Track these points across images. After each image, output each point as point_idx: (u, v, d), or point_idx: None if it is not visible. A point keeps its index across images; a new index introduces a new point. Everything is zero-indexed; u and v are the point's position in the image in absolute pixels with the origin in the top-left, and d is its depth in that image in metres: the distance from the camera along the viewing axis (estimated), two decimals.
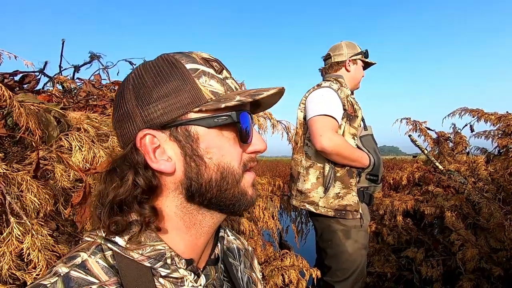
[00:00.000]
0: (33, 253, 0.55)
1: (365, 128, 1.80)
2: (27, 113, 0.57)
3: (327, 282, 1.67)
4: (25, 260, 0.57)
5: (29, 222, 0.56)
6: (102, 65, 1.42)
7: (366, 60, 1.85)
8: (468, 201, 2.17)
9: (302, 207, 1.73)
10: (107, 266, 0.39)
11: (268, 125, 1.56)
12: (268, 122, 1.56)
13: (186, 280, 0.43)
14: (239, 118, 0.42)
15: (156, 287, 0.41)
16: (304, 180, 1.72)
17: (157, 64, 0.43)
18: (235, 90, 0.46)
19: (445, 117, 2.67)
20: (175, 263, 0.42)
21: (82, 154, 0.63)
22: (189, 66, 0.42)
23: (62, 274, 0.37)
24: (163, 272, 0.41)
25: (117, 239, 0.40)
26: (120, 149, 0.46)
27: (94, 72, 1.42)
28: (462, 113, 2.59)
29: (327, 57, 1.89)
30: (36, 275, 0.58)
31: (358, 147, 1.71)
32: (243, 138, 0.44)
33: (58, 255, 0.62)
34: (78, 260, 0.38)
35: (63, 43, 1.33)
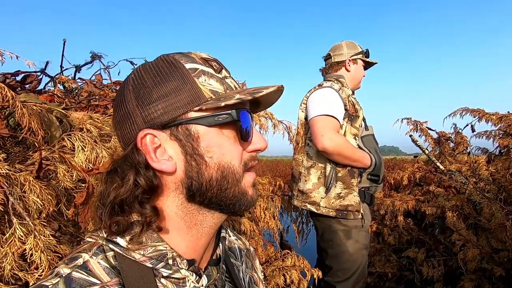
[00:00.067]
0: (36, 253, 0.55)
1: (366, 128, 1.80)
2: (30, 114, 0.57)
3: (328, 282, 1.67)
4: (28, 260, 0.57)
5: (31, 223, 0.56)
6: (104, 65, 1.42)
7: (367, 59, 1.84)
8: (469, 201, 2.17)
9: (304, 207, 1.73)
10: (108, 267, 0.39)
11: (270, 125, 1.56)
12: (270, 122, 1.56)
13: (188, 280, 0.43)
14: (239, 116, 0.43)
15: (158, 287, 0.41)
16: (306, 180, 1.71)
17: (156, 64, 0.43)
18: (234, 89, 0.46)
19: (446, 117, 2.67)
20: (177, 263, 0.42)
21: (85, 154, 0.63)
22: (188, 66, 0.43)
23: (64, 275, 0.37)
24: (165, 272, 0.41)
25: (119, 240, 0.40)
26: (121, 149, 0.46)
27: (95, 72, 1.43)
28: (463, 113, 2.59)
29: (327, 57, 1.89)
30: (39, 275, 0.58)
31: (359, 147, 1.71)
32: (244, 136, 0.44)
33: (60, 255, 0.62)
34: (79, 261, 0.38)
35: (64, 43, 1.33)
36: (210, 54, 0.47)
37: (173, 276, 0.42)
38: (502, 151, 2.43)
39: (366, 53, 1.84)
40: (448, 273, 2.21)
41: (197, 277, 0.44)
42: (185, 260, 0.43)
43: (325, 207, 1.64)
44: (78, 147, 0.63)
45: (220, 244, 0.54)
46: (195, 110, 0.41)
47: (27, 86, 0.87)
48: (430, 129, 2.82)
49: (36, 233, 0.55)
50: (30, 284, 0.59)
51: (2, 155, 0.58)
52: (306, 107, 1.75)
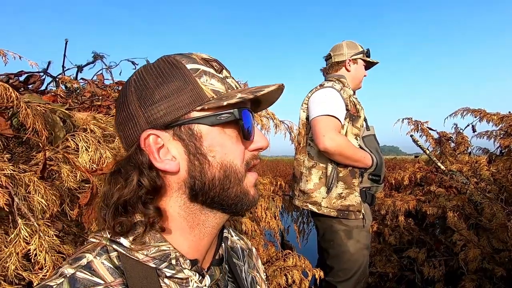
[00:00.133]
0: (41, 254, 0.55)
1: (368, 128, 1.80)
2: (34, 114, 0.57)
3: (329, 282, 1.67)
4: (32, 260, 0.57)
5: (36, 223, 0.56)
6: (106, 65, 1.42)
7: (368, 59, 1.84)
8: (470, 201, 2.17)
9: (305, 207, 1.73)
10: (112, 267, 0.39)
11: (271, 125, 1.56)
12: (271, 122, 1.56)
13: (191, 280, 0.43)
14: (241, 115, 0.43)
15: (162, 287, 0.41)
16: (307, 180, 1.72)
17: (158, 65, 0.43)
18: (235, 88, 0.46)
19: (447, 117, 2.66)
20: (180, 263, 0.43)
21: (89, 155, 0.63)
22: (190, 66, 0.43)
23: (68, 275, 0.37)
24: (168, 272, 0.41)
25: (122, 240, 0.40)
26: (124, 150, 0.46)
27: (97, 72, 1.43)
28: (464, 113, 2.59)
29: (328, 57, 1.89)
30: (43, 275, 0.58)
31: (361, 147, 1.71)
32: (246, 135, 0.45)
33: (63, 255, 0.62)
34: (83, 261, 0.39)
35: (66, 43, 1.33)
36: (210, 55, 0.47)
37: (176, 276, 0.42)
38: (503, 151, 2.43)
39: (367, 53, 1.84)
40: (449, 273, 2.21)
41: (200, 277, 0.44)
42: (188, 260, 0.43)
43: (326, 207, 1.64)
44: (82, 148, 0.63)
45: (223, 244, 0.54)
46: (197, 109, 0.42)
47: (30, 86, 0.87)
48: (431, 129, 2.82)
49: (41, 234, 0.55)
50: (34, 284, 0.60)
51: (6, 155, 0.58)
52: (307, 107, 1.75)
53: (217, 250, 0.52)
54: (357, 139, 1.70)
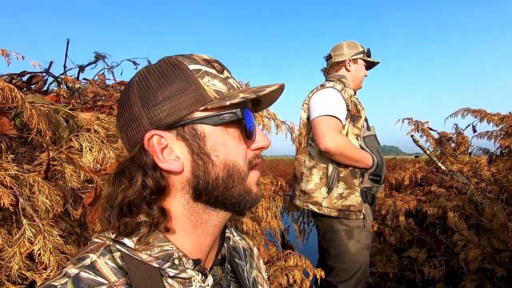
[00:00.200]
0: (45, 254, 0.55)
1: (368, 128, 1.79)
2: (38, 114, 0.57)
3: (330, 282, 1.67)
4: (36, 260, 0.57)
5: (40, 223, 0.56)
6: (107, 65, 1.42)
7: (368, 59, 1.83)
8: (471, 201, 2.17)
9: (305, 207, 1.73)
10: (116, 267, 0.40)
11: (272, 126, 1.56)
12: (272, 122, 1.56)
13: (194, 280, 0.44)
14: (243, 115, 0.43)
15: (165, 287, 0.41)
16: (308, 181, 1.72)
17: (160, 66, 0.44)
18: (237, 88, 0.47)
19: (447, 118, 2.67)
20: (183, 263, 0.43)
21: (93, 155, 0.63)
22: (192, 67, 0.43)
23: (72, 275, 0.37)
24: (171, 272, 0.42)
25: (126, 241, 0.41)
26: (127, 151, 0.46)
27: (98, 72, 1.43)
28: (465, 113, 2.59)
29: (328, 57, 1.89)
30: (47, 275, 0.59)
31: (361, 148, 1.71)
32: (248, 134, 0.45)
33: (67, 255, 0.62)
34: (87, 261, 0.39)
35: (68, 43, 1.33)
36: (211, 55, 0.47)
37: (179, 276, 0.42)
38: (503, 151, 2.43)
39: (368, 53, 1.84)
40: (450, 273, 2.21)
41: (203, 277, 0.45)
42: (191, 260, 0.44)
43: (327, 207, 1.65)
44: (86, 148, 0.63)
45: (225, 244, 0.54)
46: (200, 110, 0.42)
47: (32, 86, 0.87)
48: (431, 129, 2.82)
49: (46, 234, 0.55)
50: (38, 284, 0.60)
51: (10, 156, 0.59)
52: (308, 107, 1.75)
53: (219, 250, 0.52)
54: (358, 139, 1.70)
